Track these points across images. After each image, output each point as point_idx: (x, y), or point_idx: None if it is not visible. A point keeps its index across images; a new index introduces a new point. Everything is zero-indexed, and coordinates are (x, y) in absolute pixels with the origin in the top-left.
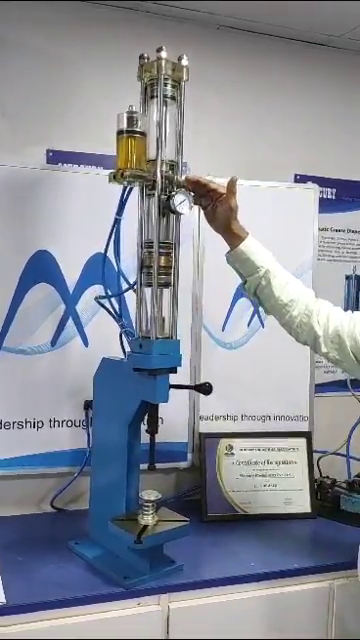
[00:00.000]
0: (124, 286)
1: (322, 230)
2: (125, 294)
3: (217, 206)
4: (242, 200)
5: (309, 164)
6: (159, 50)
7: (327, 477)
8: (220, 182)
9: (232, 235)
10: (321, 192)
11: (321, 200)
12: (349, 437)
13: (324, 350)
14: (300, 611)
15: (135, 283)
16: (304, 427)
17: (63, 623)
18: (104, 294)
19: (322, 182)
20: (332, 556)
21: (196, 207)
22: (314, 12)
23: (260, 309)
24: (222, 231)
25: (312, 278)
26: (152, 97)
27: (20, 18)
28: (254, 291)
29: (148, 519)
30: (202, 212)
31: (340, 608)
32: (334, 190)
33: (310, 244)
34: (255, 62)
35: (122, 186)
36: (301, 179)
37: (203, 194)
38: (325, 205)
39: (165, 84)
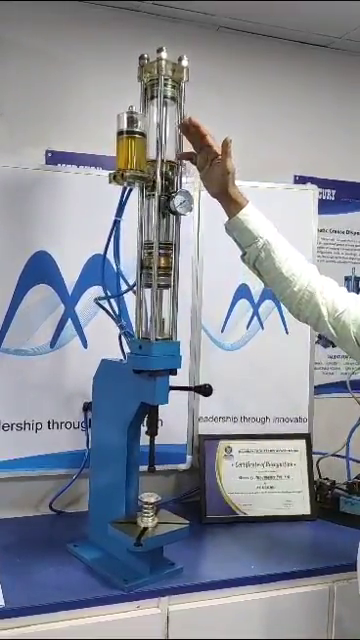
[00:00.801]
0: (124, 287)
1: (321, 231)
2: (125, 295)
3: (213, 168)
4: None
5: (309, 165)
6: (159, 51)
7: (326, 479)
8: None
9: (230, 201)
10: (320, 193)
11: (321, 201)
12: (348, 439)
13: (325, 331)
14: (300, 613)
15: (135, 284)
16: (303, 429)
17: (62, 626)
18: (103, 295)
19: (322, 183)
20: (332, 558)
21: (195, 207)
22: (314, 13)
23: (259, 311)
24: (219, 197)
25: None
26: (152, 98)
27: (19, 18)
28: (253, 263)
29: (148, 521)
30: (202, 211)
31: (340, 610)
32: (334, 191)
33: (309, 245)
34: (255, 63)
35: (122, 187)
36: (300, 180)
37: (198, 147)
38: (325, 206)
39: (165, 85)
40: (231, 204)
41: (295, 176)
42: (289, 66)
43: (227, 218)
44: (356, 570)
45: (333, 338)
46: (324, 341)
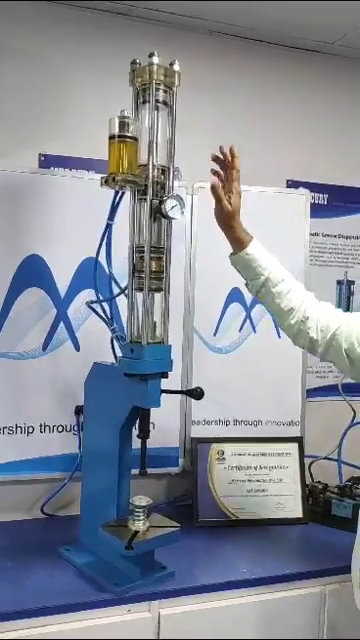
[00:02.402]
0: (115, 291)
1: (314, 235)
2: (117, 299)
3: (221, 204)
4: None
5: (301, 169)
6: (151, 55)
7: (319, 482)
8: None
9: (234, 238)
10: (313, 197)
11: (313, 205)
12: (340, 442)
13: (319, 356)
14: (292, 617)
15: (126, 288)
16: (296, 432)
17: (53, 630)
18: (95, 299)
19: (314, 187)
20: (324, 561)
21: (187, 211)
22: (307, 19)
23: (252, 314)
24: (224, 231)
25: (304, 283)
26: (144, 102)
27: (12, 22)
28: (255, 294)
29: (139, 525)
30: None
31: (332, 613)
32: (326, 195)
33: (302, 249)
34: (247, 68)
35: (114, 191)
36: (293, 184)
37: (225, 178)
38: (317, 210)
39: (157, 89)
40: (235, 241)
41: (288, 180)
42: (282, 70)
43: (231, 250)
44: (349, 573)
45: (326, 360)
46: None
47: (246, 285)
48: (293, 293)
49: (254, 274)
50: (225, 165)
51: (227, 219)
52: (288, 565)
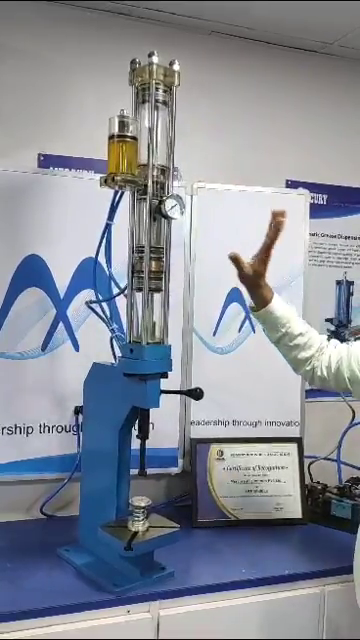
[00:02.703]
0: (115, 291)
1: (313, 235)
2: (116, 299)
3: (250, 265)
4: (233, 205)
5: (301, 169)
6: (150, 55)
7: (318, 482)
8: None
9: (258, 296)
10: (312, 197)
11: (312, 205)
12: (340, 442)
13: (331, 387)
14: (292, 617)
15: (126, 288)
16: (295, 432)
17: (52, 631)
18: (95, 299)
19: (313, 187)
20: (323, 562)
21: (187, 211)
22: (307, 19)
23: (251, 315)
24: (249, 290)
25: (303, 283)
26: (144, 102)
27: (12, 22)
28: (274, 343)
29: (138, 525)
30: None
31: (332, 614)
32: (325, 195)
33: (301, 249)
34: (247, 68)
35: (113, 190)
36: (292, 184)
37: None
38: (316, 210)
39: (157, 89)
40: (258, 298)
41: (287, 180)
42: (282, 71)
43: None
44: (349, 574)
45: (338, 390)
46: None
47: (264, 330)
48: (309, 343)
49: (275, 328)
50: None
51: (250, 282)
52: (288, 565)
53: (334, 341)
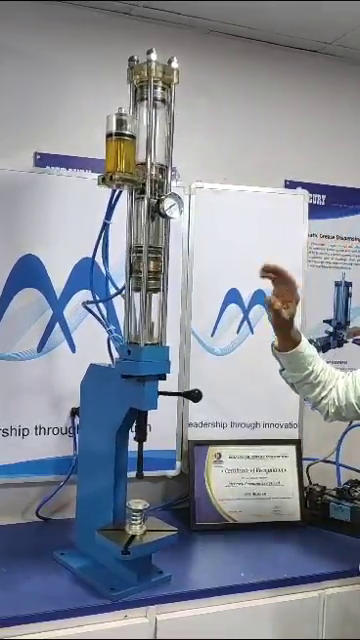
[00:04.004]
0: (112, 291)
1: (312, 236)
2: (114, 299)
3: (281, 310)
4: (232, 205)
5: (299, 170)
6: (149, 52)
7: (317, 485)
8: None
9: (288, 339)
10: (311, 198)
11: (311, 206)
12: (339, 445)
13: (345, 418)
14: (290, 621)
15: (124, 288)
16: (294, 434)
17: (49, 636)
18: (92, 299)
19: (312, 188)
20: (322, 565)
21: (185, 211)
22: (305, 19)
23: (249, 316)
24: (279, 332)
25: (301, 284)
26: (142, 100)
27: (9, 21)
28: (294, 383)
29: (136, 529)
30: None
31: (330, 618)
32: (324, 196)
33: (300, 250)
34: (246, 67)
35: (111, 190)
36: (291, 185)
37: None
38: (315, 211)
39: (155, 86)
40: (288, 341)
41: (286, 181)
42: (280, 70)
43: (276, 340)
44: (348, 577)
45: (346, 419)
46: (314, 346)
47: (280, 371)
48: (330, 379)
49: (303, 367)
50: (280, 279)
51: (284, 325)
52: (286, 569)
53: (338, 372)
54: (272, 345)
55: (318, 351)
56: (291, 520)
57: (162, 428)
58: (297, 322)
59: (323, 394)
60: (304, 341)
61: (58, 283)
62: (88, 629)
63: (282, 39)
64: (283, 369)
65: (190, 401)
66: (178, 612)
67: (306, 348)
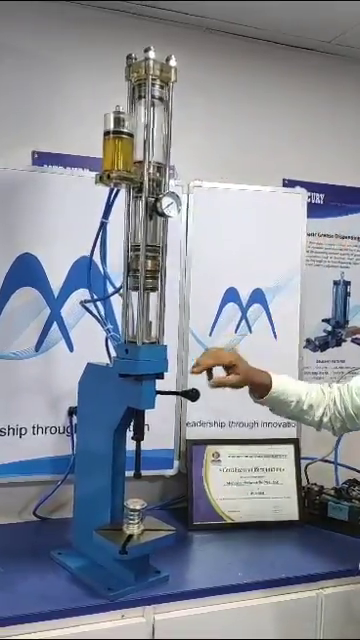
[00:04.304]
0: (110, 290)
1: (310, 235)
2: (111, 298)
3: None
4: (231, 204)
5: (298, 169)
6: (147, 50)
7: (315, 484)
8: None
9: (256, 387)
10: (309, 197)
11: (309, 205)
12: (337, 444)
13: (351, 429)
14: (288, 621)
15: (121, 287)
16: (292, 434)
17: (45, 636)
18: (90, 298)
19: (310, 187)
20: (320, 565)
21: (183, 210)
22: (303, 17)
23: (247, 315)
24: (248, 385)
25: (300, 283)
26: (140, 98)
27: (6, 19)
28: (288, 417)
29: (133, 529)
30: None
31: (328, 617)
32: (322, 195)
33: (298, 249)
34: (244, 66)
35: (109, 188)
36: (290, 183)
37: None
38: (313, 210)
39: (153, 84)
40: (258, 387)
41: (284, 179)
42: (279, 69)
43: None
44: (346, 577)
45: (351, 430)
46: (313, 345)
47: (272, 410)
48: (318, 398)
49: (286, 402)
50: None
51: (242, 385)
52: (284, 569)
53: (334, 384)
54: (250, 394)
55: (315, 350)
56: (289, 519)
57: (160, 427)
58: (295, 323)
59: (319, 414)
60: (276, 379)
61: (56, 282)
62: (85, 629)
63: (281, 37)
64: (272, 409)
65: (188, 400)
66: (175, 612)
67: (280, 386)
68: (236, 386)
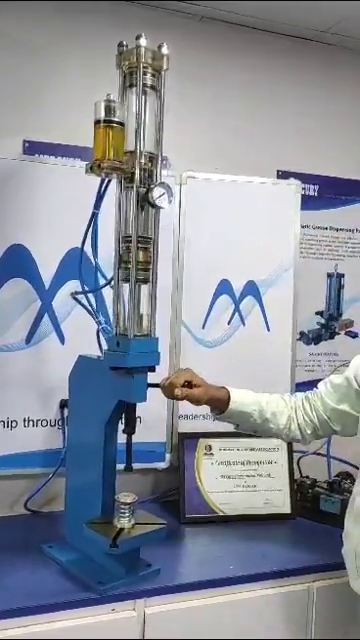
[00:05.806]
0: (101, 282)
1: (304, 227)
2: (103, 290)
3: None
4: (224, 195)
5: (292, 160)
6: (138, 37)
7: (307, 477)
8: None
9: (213, 402)
10: (303, 188)
11: (303, 197)
12: (329, 437)
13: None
14: (279, 614)
15: (112, 279)
16: None
17: (36, 630)
18: (81, 290)
19: (305, 178)
20: (312, 558)
21: (176, 201)
22: (299, 6)
23: (241, 307)
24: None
25: (293, 276)
26: (131, 86)
27: None
28: (252, 431)
29: (124, 522)
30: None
31: (319, 611)
32: (317, 187)
33: (292, 241)
34: (239, 56)
35: (100, 178)
36: (283, 175)
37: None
38: (307, 202)
39: (145, 73)
40: (215, 403)
41: (278, 171)
42: (274, 59)
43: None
44: (338, 570)
45: (324, 437)
46: (306, 338)
47: (236, 428)
48: (280, 406)
49: (247, 414)
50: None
51: (199, 401)
52: (275, 562)
53: (299, 394)
54: (211, 412)
55: (308, 343)
56: (281, 512)
57: (152, 420)
58: (288, 315)
59: (283, 422)
60: (235, 392)
61: (47, 273)
62: (75, 623)
63: (276, 27)
64: (237, 425)
65: None
66: (166, 605)
67: (238, 397)
68: (198, 400)
